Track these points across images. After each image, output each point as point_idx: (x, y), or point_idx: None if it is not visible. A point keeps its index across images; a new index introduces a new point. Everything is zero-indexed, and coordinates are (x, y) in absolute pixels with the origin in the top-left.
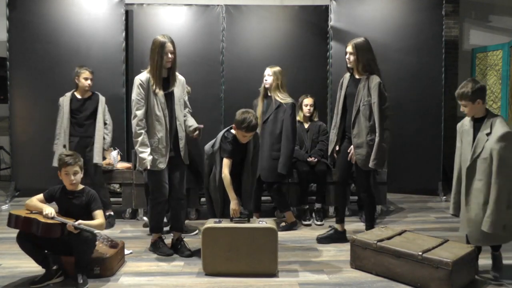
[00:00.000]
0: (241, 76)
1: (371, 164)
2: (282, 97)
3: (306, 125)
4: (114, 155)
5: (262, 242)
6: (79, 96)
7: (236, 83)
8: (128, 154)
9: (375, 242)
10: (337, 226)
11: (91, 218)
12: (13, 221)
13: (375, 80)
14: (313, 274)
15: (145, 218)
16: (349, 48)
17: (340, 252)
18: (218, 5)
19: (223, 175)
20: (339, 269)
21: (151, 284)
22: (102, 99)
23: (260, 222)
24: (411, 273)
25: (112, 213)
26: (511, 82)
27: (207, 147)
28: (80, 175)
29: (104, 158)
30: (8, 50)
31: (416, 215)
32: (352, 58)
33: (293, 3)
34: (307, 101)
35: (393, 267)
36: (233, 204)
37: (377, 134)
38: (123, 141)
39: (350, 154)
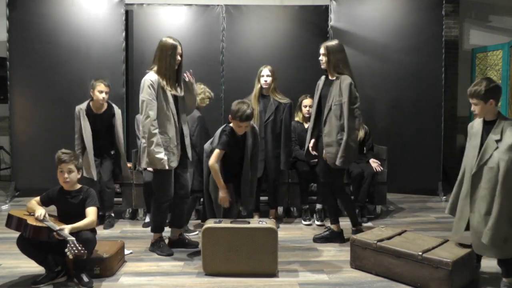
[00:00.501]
0: (241, 76)
1: (337, 162)
2: (280, 97)
3: (306, 125)
4: None
5: (262, 242)
6: (94, 111)
7: (236, 83)
8: (128, 154)
9: (375, 242)
10: (333, 226)
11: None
12: (10, 221)
13: (346, 80)
14: (313, 274)
15: (147, 218)
16: (321, 50)
17: (340, 252)
18: (218, 5)
19: (209, 163)
20: (339, 269)
21: (151, 284)
22: (117, 112)
23: (260, 222)
24: (411, 273)
25: (112, 213)
26: (511, 82)
27: (207, 145)
28: (75, 175)
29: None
30: (8, 50)
31: (416, 215)
32: (324, 59)
33: (293, 3)
34: (307, 101)
35: (393, 267)
36: (222, 193)
37: (345, 133)
38: (123, 141)
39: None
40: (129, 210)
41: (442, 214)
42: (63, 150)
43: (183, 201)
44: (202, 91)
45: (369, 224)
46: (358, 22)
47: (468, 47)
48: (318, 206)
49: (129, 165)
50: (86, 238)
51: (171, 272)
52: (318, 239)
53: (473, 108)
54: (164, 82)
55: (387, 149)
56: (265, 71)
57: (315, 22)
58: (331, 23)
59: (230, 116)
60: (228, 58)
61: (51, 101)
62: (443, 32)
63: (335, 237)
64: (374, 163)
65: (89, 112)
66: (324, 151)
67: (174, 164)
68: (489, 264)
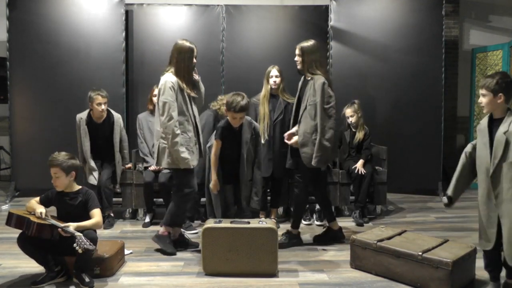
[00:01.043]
0: (241, 76)
1: (313, 162)
2: (288, 97)
3: None
4: None
5: (262, 242)
6: (95, 120)
7: (236, 83)
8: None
9: (375, 242)
10: (331, 224)
11: (89, 218)
12: (10, 219)
13: (319, 80)
14: (313, 274)
15: (147, 218)
16: (297, 50)
17: (340, 252)
18: (218, 5)
19: (211, 155)
20: (339, 269)
21: (151, 284)
22: (117, 119)
23: (260, 222)
24: (411, 273)
25: (112, 213)
26: None
27: (208, 145)
28: (63, 179)
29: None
30: (8, 50)
31: (416, 215)
32: (299, 59)
33: (293, 3)
34: None
35: (393, 267)
36: (211, 184)
37: (318, 133)
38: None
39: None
40: (129, 210)
41: (442, 214)
42: (55, 154)
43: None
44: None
45: (369, 224)
46: (358, 22)
47: (468, 47)
48: (318, 206)
49: (129, 165)
50: (92, 237)
51: (171, 272)
52: (318, 238)
53: (480, 99)
54: (184, 84)
55: (387, 149)
56: (274, 71)
57: (315, 22)
58: (331, 23)
59: (225, 108)
60: (228, 58)
61: (51, 101)
62: (443, 32)
63: (335, 235)
64: (358, 164)
65: (89, 121)
66: (300, 151)
67: (195, 162)
68: None
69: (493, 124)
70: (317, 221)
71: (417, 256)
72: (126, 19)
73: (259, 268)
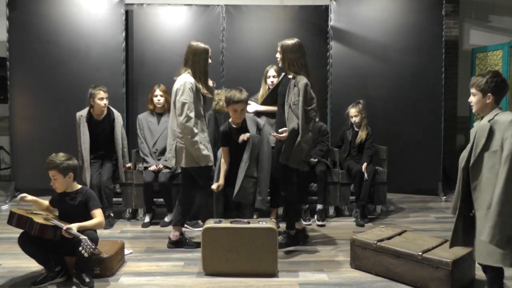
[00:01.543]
0: (241, 76)
1: (289, 161)
2: None
3: None
4: None
5: (262, 242)
6: (95, 118)
7: (236, 83)
8: (128, 154)
9: (375, 242)
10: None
11: (90, 218)
12: (12, 218)
13: (302, 81)
14: (313, 274)
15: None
16: (278, 47)
17: (340, 252)
18: (218, 5)
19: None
20: (339, 269)
21: (151, 284)
22: (118, 117)
23: (260, 222)
24: (411, 273)
25: (112, 213)
26: (511, 82)
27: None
28: (61, 181)
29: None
30: (8, 50)
31: (416, 215)
32: (279, 56)
33: (293, 3)
34: None
35: (393, 267)
36: (215, 185)
37: (300, 134)
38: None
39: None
40: (129, 210)
41: (442, 214)
42: (52, 156)
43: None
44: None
45: (369, 224)
46: (358, 22)
47: (468, 47)
48: (319, 206)
49: (129, 165)
50: (93, 238)
51: (171, 272)
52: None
53: (470, 98)
54: (200, 85)
55: (387, 149)
56: (271, 71)
57: (315, 22)
58: (331, 23)
59: (225, 105)
60: (228, 58)
61: (51, 101)
62: (443, 32)
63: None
64: (363, 167)
65: (90, 118)
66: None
67: (213, 160)
68: None
69: None
70: (318, 221)
71: (417, 256)
72: (126, 19)
73: (259, 268)
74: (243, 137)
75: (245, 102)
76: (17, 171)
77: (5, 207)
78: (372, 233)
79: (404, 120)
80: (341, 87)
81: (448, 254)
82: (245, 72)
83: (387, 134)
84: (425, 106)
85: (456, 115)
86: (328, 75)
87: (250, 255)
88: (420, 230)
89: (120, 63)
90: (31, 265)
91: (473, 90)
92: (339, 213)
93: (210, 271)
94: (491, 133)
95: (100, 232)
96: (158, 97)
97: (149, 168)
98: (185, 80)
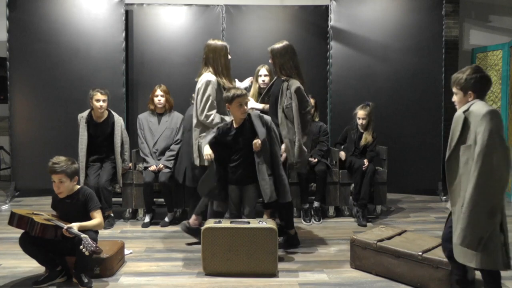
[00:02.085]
0: (241, 76)
1: (295, 168)
2: None
3: None
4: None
5: (262, 242)
6: (95, 120)
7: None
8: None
9: (375, 242)
10: (290, 231)
11: (89, 218)
12: (13, 219)
13: (294, 84)
14: (313, 274)
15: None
16: (269, 53)
17: (340, 252)
18: (218, 5)
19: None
20: (339, 269)
21: (151, 284)
22: (118, 121)
23: (260, 222)
24: (411, 273)
25: (112, 213)
26: (511, 82)
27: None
28: (68, 184)
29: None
30: (8, 50)
31: (416, 215)
32: (271, 61)
33: (293, 3)
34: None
35: (393, 267)
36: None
37: (296, 138)
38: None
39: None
40: (129, 210)
41: (442, 214)
42: (54, 159)
43: None
44: None
45: (369, 224)
46: (358, 22)
47: (468, 47)
48: (316, 204)
49: (129, 166)
50: (92, 238)
51: (171, 272)
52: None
53: (453, 98)
54: (224, 80)
55: (387, 149)
56: (263, 70)
57: (315, 22)
58: (331, 23)
59: (227, 105)
60: None
61: (51, 101)
62: (443, 32)
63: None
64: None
65: (89, 120)
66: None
67: None
68: None
69: None
70: (315, 220)
71: (417, 256)
72: (126, 19)
73: (259, 268)
74: (256, 146)
75: (246, 94)
76: (17, 171)
77: (5, 207)
78: (372, 233)
79: (404, 120)
80: (341, 87)
81: None
82: (245, 72)
83: (387, 134)
84: (425, 106)
85: None
86: (328, 75)
87: (250, 255)
88: (420, 230)
89: (120, 63)
90: (32, 265)
91: (454, 89)
92: (339, 213)
93: (210, 271)
94: (465, 125)
95: (100, 232)
96: (159, 97)
97: (149, 168)
98: (206, 79)
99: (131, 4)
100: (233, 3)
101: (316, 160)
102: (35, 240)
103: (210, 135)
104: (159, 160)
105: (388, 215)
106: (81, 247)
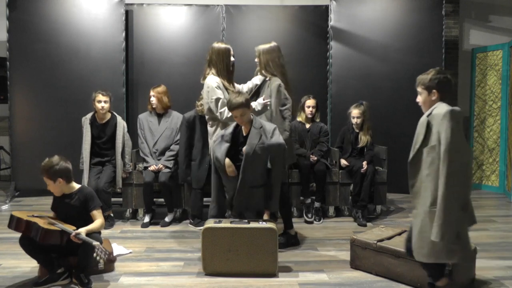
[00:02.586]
0: (241, 76)
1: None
2: None
3: (307, 126)
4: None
5: (262, 242)
6: (98, 121)
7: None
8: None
9: (375, 242)
10: (290, 231)
11: (89, 218)
12: (14, 223)
13: (275, 82)
14: (313, 274)
15: (146, 218)
16: (255, 52)
17: (340, 252)
18: (218, 5)
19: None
20: (339, 269)
21: (151, 284)
22: (120, 122)
23: (260, 222)
24: (411, 273)
25: (112, 213)
26: (511, 82)
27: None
28: (52, 186)
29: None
30: (8, 50)
31: None
32: (256, 59)
33: (293, 3)
34: (310, 102)
35: (393, 267)
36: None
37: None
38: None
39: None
40: (129, 210)
41: None
42: (44, 161)
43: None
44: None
45: (369, 224)
46: (358, 22)
47: (468, 47)
48: (316, 204)
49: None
50: (96, 238)
51: (171, 272)
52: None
53: (417, 98)
54: (226, 82)
55: (387, 149)
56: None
57: (315, 22)
58: (331, 23)
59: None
60: None
61: (51, 101)
62: (443, 32)
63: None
64: (364, 163)
65: (93, 121)
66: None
67: None
68: (488, 264)
69: None
70: (316, 220)
71: None
72: (126, 19)
73: (259, 268)
74: (230, 172)
75: (244, 106)
76: (17, 171)
77: (5, 207)
78: (372, 233)
79: (404, 120)
80: (341, 87)
81: None
82: (245, 72)
83: (387, 134)
84: None
85: None
86: (328, 75)
87: (250, 255)
88: None
89: (120, 63)
90: (32, 265)
91: (419, 89)
92: (339, 213)
93: (210, 271)
94: (428, 128)
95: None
96: (152, 98)
97: (149, 168)
98: (210, 81)
99: (131, 4)
100: (233, 3)
101: (316, 158)
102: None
103: (223, 145)
104: (159, 160)
105: (388, 215)
106: (94, 255)
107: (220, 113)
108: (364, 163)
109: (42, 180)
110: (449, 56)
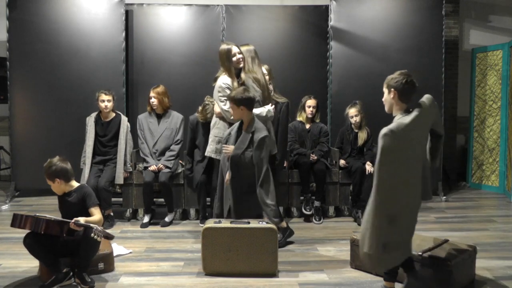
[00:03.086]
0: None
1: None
2: (277, 96)
3: (307, 126)
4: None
5: (262, 242)
6: (102, 119)
7: None
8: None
9: None
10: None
11: (89, 215)
12: (18, 220)
13: (248, 79)
14: (313, 274)
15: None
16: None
17: (340, 252)
18: (218, 5)
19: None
20: (339, 269)
21: (151, 284)
22: (124, 120)
23: (260, 222)
24: None
25: (112, 213)
26: (511, 82)
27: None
28: (53, 186)
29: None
30: (8, 50)
31: None
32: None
33: (293, 3)
34: (310, 102)
35: None
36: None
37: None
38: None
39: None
40: (129, 210)
41: (442, 214)
42: (47, 161)
43: None
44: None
45: None
46: (358, 22)
47: (468, 47)
48: (316, 203)
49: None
50: (95, 240)
51: (171, 272)
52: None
53: (384, 97)
54: (235, 82)
55: None
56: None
57: (315, 22)
58: (331, 23)
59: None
60: None
61: (51, 101)
62: (443, 32)
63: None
64: (368, 166)
65: (98, 120)
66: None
67: None
68: (488, 264)
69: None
70: (316, 220)
71: (417, 256)
72: (126, 19)
73: (259, 268)
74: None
75: (231, 100)
76: (17, 171)
77: (5, 207)
78: None
79: None
80: (341, 87)
81: (448, 254)
82: None
83: None
84: None
85: (456, 115)
86: (328, 75)
87: (250, 255)
88: (420, 230)
89: (120, 63)
90: (32, 265)
91: (383, 89)
92: (339, 213)
93: (210, 271)
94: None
95: None
96: (152, 99)
97: (149, 168)
98: (220, 82)
99: (131, 4)
100: (233, 3)
101: (315, 157)
102: (41, 241)
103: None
104: (159, 160)
105: None
106: (92, 234)
107: (226, 111)
108: (368, 164)
109: (42, 180)
110: (449, 56)
